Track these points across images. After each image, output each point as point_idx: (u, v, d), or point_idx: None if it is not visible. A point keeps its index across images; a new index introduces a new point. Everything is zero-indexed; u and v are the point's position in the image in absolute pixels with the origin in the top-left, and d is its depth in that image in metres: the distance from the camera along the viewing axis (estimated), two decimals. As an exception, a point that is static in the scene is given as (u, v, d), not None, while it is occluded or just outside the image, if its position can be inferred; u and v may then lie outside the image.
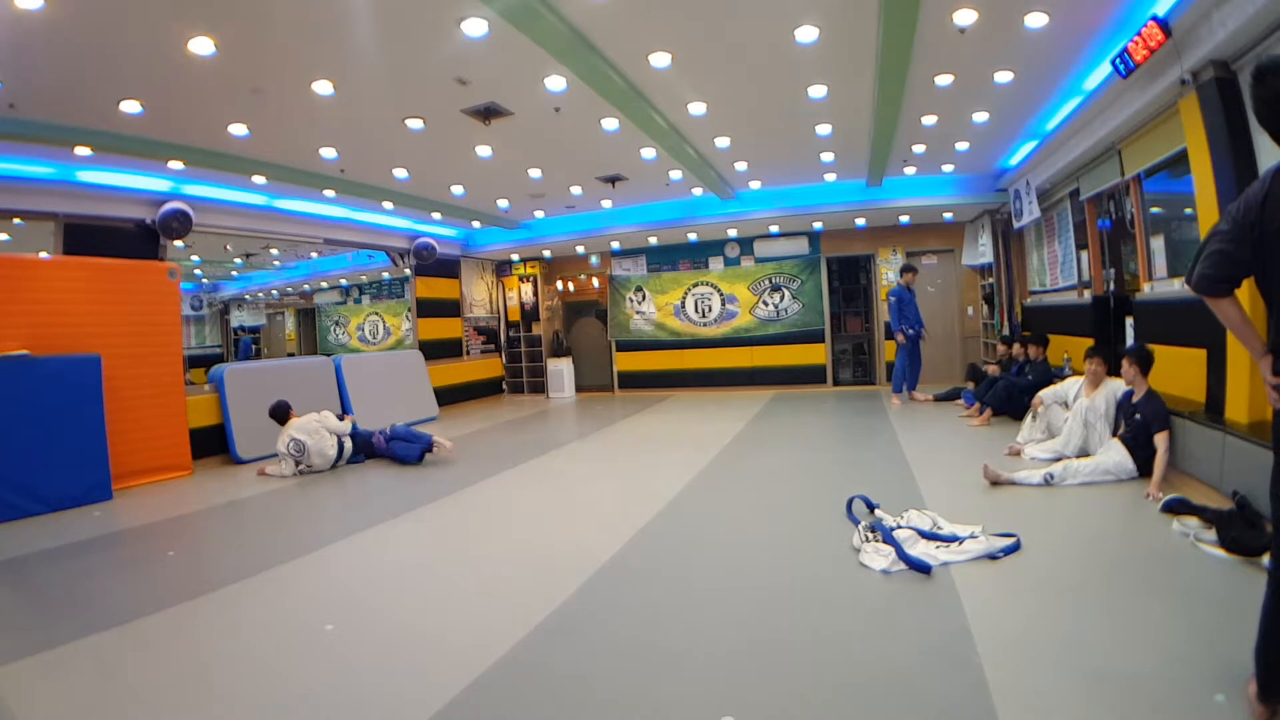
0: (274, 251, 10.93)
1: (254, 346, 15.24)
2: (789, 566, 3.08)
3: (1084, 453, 4.55)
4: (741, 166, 7.71)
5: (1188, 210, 4.64)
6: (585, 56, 4.26)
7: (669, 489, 4.61)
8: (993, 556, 2.97)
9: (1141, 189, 5.53)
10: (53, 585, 3.35)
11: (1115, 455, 4.16)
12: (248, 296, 14.72)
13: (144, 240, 6.66)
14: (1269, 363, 1.73)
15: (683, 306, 11.37)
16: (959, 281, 10.42)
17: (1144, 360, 4.19)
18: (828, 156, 7.38)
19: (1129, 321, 5.67)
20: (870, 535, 3.20)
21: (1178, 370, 4.53)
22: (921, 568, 2.86)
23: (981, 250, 9.55)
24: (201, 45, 3.85)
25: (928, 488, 4.23)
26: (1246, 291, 3.76)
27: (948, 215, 9.58)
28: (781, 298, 10.83)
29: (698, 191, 8.91)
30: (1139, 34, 3.96)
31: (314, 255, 11.88)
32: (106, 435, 5.26)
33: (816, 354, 10.65)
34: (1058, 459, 4.50)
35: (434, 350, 10.39)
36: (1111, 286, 6.30)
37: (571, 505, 4.57)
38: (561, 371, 11.54)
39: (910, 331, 8.27)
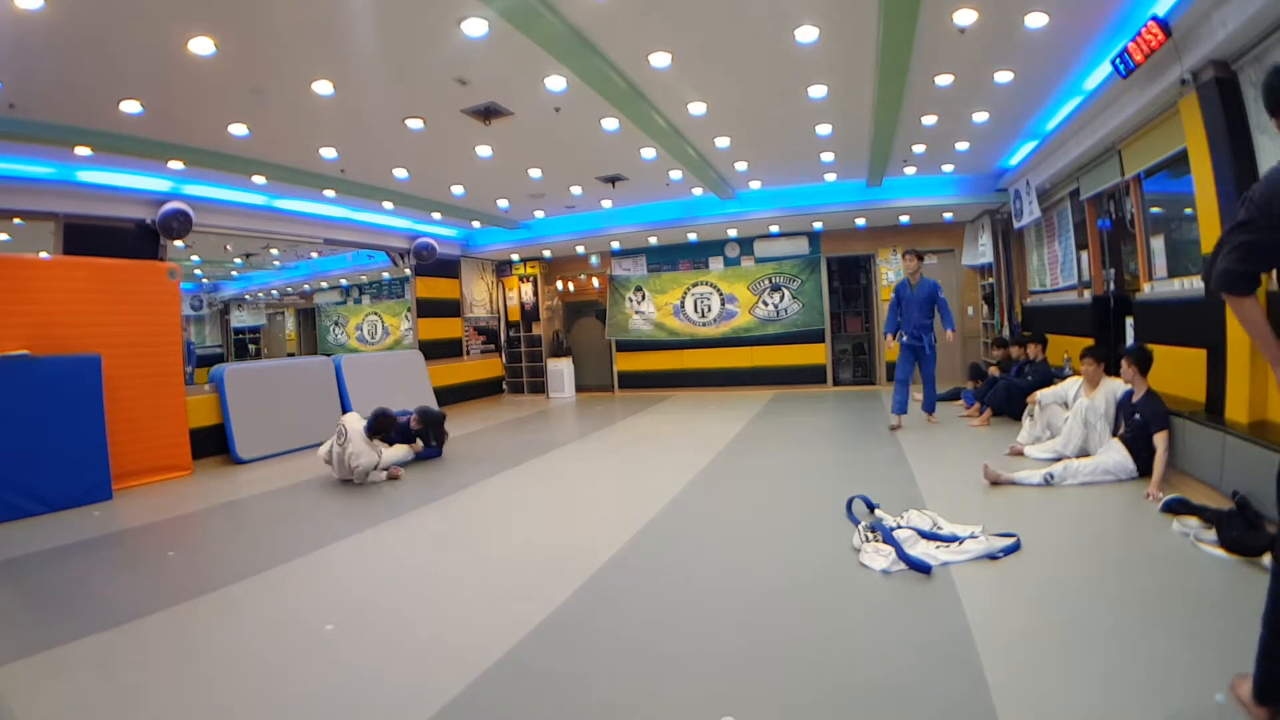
0: (274, 251, 10.93)
1: (249, 347, 15.22)
2: (789, 566, 3.08)
3: (1084, 453, 4.54)
4: (741, 166, 7.70)
5: (1188, 210, 4.64)
6: (585, 56, 4.27)
7: (669, 489, 4.61)
8: (993, 556, 2.97)
9: (1141, 189, 5.53)
10: (53, 585, 3.35)
11: (1115, 455, 4.16)
12: (248, 296, 14.71)
13: (144, 240, 6.66)
14: None
15: (682, 306, 11.36)
16: (959, 281, 10.40)
17: (1143, 360, 4.19)
18: (828, 156, 7.38)
19: (1129, 321, 5.67)
20: (870, 535, 3.20)
21: (1178, 370, 4.52)
22: (921, 568, 2.87)
23: (981, 250, 9.55)
24: (201, 45, 3.86)
25: (928, 488, 4.23)
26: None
27: (948, 215, 9.57)
28: (781, 298, 10.83)
29: (698, 191, 8.90)
30: (1139, 34, 3.96)
31: (314, 255, 11.87)
32: (106, 435, 5.26)
33: (816, 354, 10.65)
34: (1058, 459, 4.50)
35: (434, 350, 10.39)
36: (1111, 286, 6.30)
37: (572, 505, 4.57)
38: (561, 371, 11.54)
39: (904, 339, 6.52)
